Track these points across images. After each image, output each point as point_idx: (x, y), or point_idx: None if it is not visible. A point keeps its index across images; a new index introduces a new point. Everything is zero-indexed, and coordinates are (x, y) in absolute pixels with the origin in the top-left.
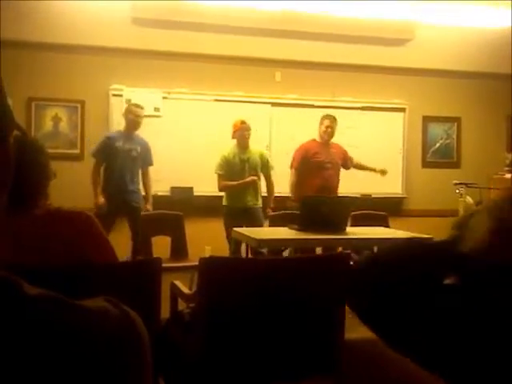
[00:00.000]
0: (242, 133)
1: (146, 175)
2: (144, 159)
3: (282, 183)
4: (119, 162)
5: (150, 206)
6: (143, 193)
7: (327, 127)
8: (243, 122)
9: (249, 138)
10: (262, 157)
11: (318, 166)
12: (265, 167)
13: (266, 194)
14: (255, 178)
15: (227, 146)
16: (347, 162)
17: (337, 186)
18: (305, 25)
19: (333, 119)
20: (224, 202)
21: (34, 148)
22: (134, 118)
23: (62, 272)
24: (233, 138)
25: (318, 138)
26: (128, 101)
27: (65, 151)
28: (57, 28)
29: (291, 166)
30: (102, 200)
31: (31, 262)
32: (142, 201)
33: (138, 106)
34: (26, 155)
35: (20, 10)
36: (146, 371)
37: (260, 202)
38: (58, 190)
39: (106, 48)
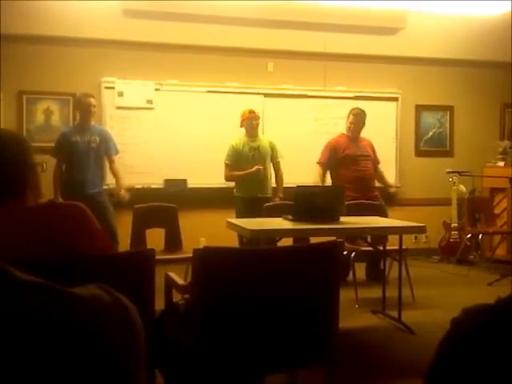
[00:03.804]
0: (250, 122)
1: (112, 164)
2: (106, 149)
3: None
4: (78, 155)
5: (124, 192)
6: (110, 182)
7: (351, 124)
8: (251, 112)
9: (257, 127)
10: (271, 145)
11: (350, 159)
12: (274, 156)
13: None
14: (261, 167)
15: (235, 136)
16: (376, 157)
17: (372, 178)
18: (296, 15)
19: (358, 114)
20: (235, 193)
21: (8, 138)
22: (85, 108)
23: (55, 263)
24: (241, 126)
25: (346, 132)
26: (120, 93)
27: None
28: (48, 20)
29: (318, 161)
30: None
31: (22, 254)
32: (104, 193)
33: (88, 95)
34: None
35: (10, 4)
36: (139, 357)
37: (270, 192)
38: (50, 183)
39: (98, 40)
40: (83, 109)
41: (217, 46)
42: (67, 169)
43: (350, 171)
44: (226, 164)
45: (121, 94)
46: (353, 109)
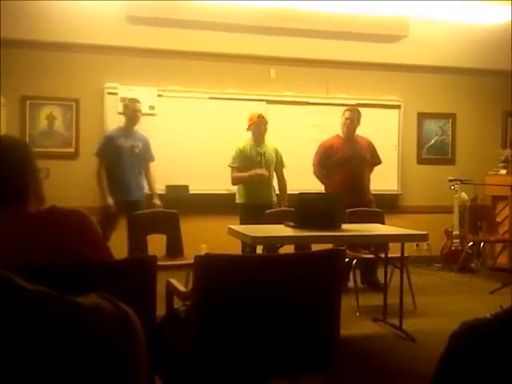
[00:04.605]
0: (258, 127)
1: (148, 171)
2: (145, 155)
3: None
4: (123, 159)
5: (158, 201)
6: (146, 189)
7: (347, 119)
8: (260, 116)
9: (265, 132)
10: (276, 153)
11: (341, 162)
12: (278, 164)
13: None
14: (266, 172)
15: (242, 139)
16: (375, 156)
17: (364, 182)
18: (299, 22)
19: (354, 111)
20: (238, 200)
21: (9, 143)
22: (132, 114)
23: (56, 270)
24: (248, 130)
25: (340, 133)
26: (123, 99)
27: (60, 150)
28: (51, 26)
29: (312, 164)
30: (111, 201)
31: (23, 260)
32: (145, 197)
33: (135, 100)
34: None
35: (14, 9)
36: (141, 366)
37: (274, 198)
38: (53, 188)
39: (101, 46)
40: (129, 114)
41: (219, 53)
42: (111, 172)
43: (342, 174)
44: (233, 167)
45: (123, 100)
46: (348, 106)
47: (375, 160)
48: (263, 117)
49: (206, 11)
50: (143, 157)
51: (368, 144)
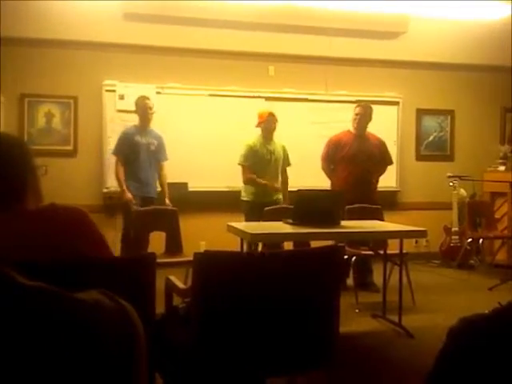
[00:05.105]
0: (269, 125)
1: (162, 170)
2: (159, 154)
3: None
4: (139, 156)
5: (168, 201)
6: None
7: (356, 115)
8: (271, 114)
9: (274, 130)
10: (283, 150)
11: (348, 158)
12: (284, 161)
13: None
14: (281, 189)
15: (249, 136)
16: (386, 156)
17: (371, 180)
18: (298, 18)
19: (365, 107)
20: (244, 198)
21: (7, 141)
22: (143, 111)
23: (56, 267)
24: (257, 126)
25: (351, 129)
26: (121, 96)
27: (58, 147)
28: (49, 24)
29: (321, 157)
30: (129, 196)
31: (23, 258)
32: (157, 194)
33: (144, 97)
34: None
35: (12, 7)
36: (141, 362)
37: (281, 197)
38: (51, 186)
39: (99, 43)
40: (140, 112)
41: (218, 50)
42: (128, 169)
43: (348, 170)
44: (244, 166)
45: (122, 97)
46: (359, 102)
47: (386, 160)
48: (273, 115)
49: (204, 8)
50: (157, 155)
51: (379, 142)
